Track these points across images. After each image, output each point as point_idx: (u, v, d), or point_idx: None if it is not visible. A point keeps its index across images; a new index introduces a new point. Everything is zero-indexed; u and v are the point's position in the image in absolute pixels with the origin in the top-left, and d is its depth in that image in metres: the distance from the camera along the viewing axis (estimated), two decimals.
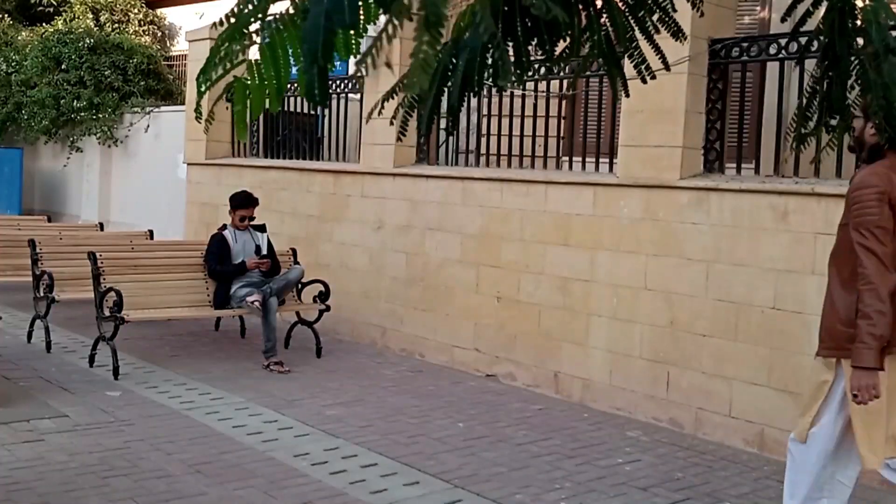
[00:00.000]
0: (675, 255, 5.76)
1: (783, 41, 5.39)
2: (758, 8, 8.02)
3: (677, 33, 2.49)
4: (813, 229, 5.11)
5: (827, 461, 3.55)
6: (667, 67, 2.56)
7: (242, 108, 1.83)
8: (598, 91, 6.68)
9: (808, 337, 5.13)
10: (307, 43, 1.51)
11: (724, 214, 5.52)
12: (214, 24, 1.91)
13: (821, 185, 5.13)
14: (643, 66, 2.47)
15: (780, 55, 5.43)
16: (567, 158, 7.15)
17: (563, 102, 7.96)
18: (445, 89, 1.83)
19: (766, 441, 5.29)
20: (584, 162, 6.75)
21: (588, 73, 6.57)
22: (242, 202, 7.28)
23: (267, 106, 1.84)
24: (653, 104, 5.77)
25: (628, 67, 2.50)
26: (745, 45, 5.64)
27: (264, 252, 7.25)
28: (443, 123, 2.22)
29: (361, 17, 1.61)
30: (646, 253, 5.92)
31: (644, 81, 2.51)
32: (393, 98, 2.08)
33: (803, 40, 5.17)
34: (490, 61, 1.88)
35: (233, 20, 1.82)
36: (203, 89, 2.03)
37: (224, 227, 7.31)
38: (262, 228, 7.39)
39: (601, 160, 6.56)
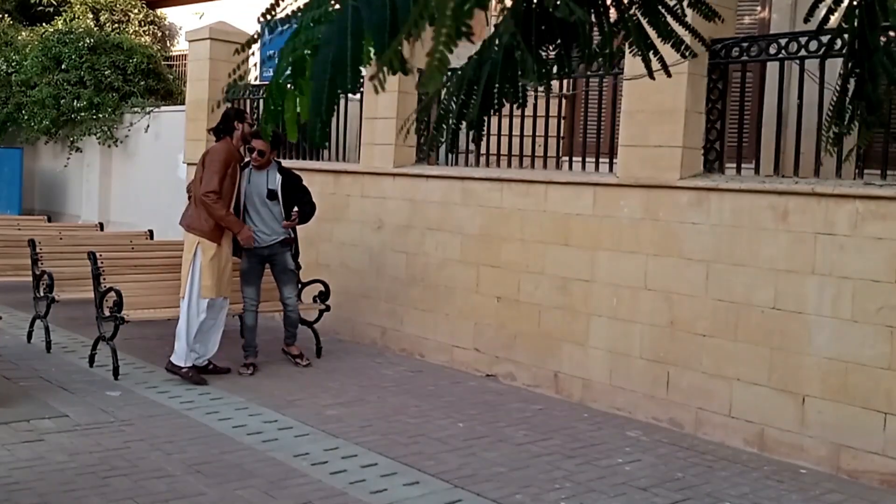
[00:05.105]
0: (675, 255, 5.76)
1: (783, 41, 5.40)
2: (758, 8, 8.02)
3: (688, 39, 2.51)
4: (813, 229, 5.11)
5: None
6: (692, 56, 2.59)
7: (292, 115, 2.04)
8: (598, 91, 6.68)
9: (808, 337, 5.14)
10: (312, 99, 1.61)
11: (724, 214, 5.52)
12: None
13: (821, 185, 5.13)
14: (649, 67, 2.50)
15: (780, 55, 5.43)
16: (567, 158, 7.15)
17: (563, 102, 7.97)
18: (470, 104, 1.89)
19: (766, 441, 5.29)
20: (584, 162, 6.75)
21: (589, 73, 6.59)
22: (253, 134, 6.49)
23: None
24: (653, 104, 5.78)
25: (637, 65, 2.51)
26: (745, 45, 5.64)
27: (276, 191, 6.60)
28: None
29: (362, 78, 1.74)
30: (646, 253, 5.92)
31: (652, 77, 2.54)
32: (422, 121, 2.21)
33: (803, 40, 5.23)
34: (510, 73, 1.92)
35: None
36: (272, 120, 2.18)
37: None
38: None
39: (601, 160, 6.56)
